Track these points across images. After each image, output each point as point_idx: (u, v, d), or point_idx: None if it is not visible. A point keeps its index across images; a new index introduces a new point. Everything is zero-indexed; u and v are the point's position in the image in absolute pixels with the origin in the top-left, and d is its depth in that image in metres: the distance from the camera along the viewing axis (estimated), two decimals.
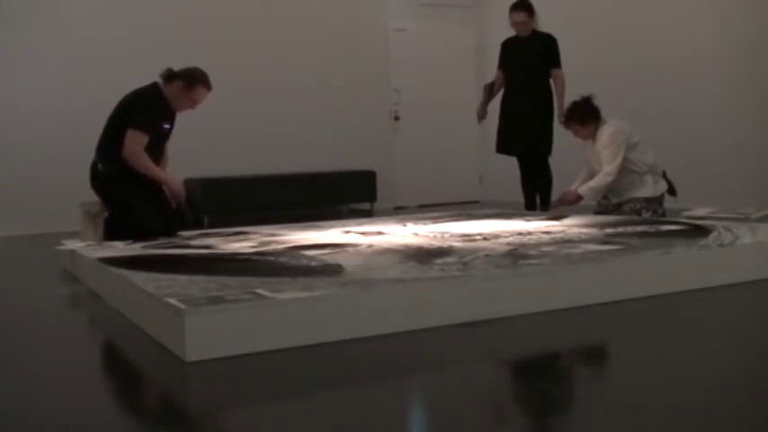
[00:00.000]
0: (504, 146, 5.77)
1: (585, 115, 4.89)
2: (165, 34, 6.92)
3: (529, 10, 5.58)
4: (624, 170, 4.77)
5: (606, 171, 4.74)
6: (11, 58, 6.49)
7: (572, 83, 5.40)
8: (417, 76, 8.41)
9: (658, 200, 4.84)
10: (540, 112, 5.58)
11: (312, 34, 7.79)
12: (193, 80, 4.32)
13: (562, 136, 5.53)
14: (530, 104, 5.59)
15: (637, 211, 4.73)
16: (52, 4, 6.65)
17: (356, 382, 1.91)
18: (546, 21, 5.84)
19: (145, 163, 4.24)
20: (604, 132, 4.82)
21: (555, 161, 5.68)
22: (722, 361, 2.05)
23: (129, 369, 2.22)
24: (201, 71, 4.38)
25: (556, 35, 5.62)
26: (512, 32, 5.72)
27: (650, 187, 4.82)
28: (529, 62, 5.59)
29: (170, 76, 4.34)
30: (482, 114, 5.87)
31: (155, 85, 4.36)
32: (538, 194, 5.71)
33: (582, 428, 1.51)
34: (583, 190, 4.80)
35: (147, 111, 4.27)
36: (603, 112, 4.97)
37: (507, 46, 5.78)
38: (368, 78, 8.13)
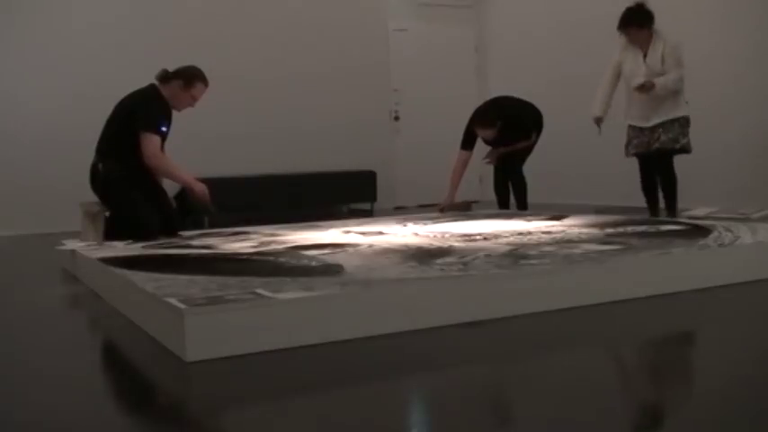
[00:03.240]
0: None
1: (643, 18, 4.98)
2: (164, 35, 6.92)
3: (490, 123, 5.56)
4: None
5: (677, 75, 4.87)
6: (11, 59, 6.49)
7: (573, 80, 5.41)
8: (417, 76, 8.40)
9: (688, 121, 4.98)
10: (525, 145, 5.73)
11: (312, 34, 7.79)
12: (192, 78, 4.34)
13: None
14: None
15: (675, 140, 4.89)
16: (52, 5, 6.65)
17: (356, 382, 1.91)
18: (550, 22, 5.84)
19: (169, 165, 4.28)
20: (668, 42, 4.94)
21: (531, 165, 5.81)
22: (722, 361, 2.05)
23: (129, 369, 2.22)
24: (197, 68, 4.40)
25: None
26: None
27: (683, 107, 4.95)
28: (509, 145, 5.68)
29: (166, 76, 4.35)
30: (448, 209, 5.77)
31: (153, 86, 4.36)
32: (514, 196, 5.83)
33: (580, 428, 1.51)
34: (658, 81, 4.88)
35: (154, 111, 4.28)
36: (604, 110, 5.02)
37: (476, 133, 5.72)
38: (368, 78, 8.13)
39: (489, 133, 5.57)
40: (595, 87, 5.17)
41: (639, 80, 4.91)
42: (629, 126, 5.13)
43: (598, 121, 5.22)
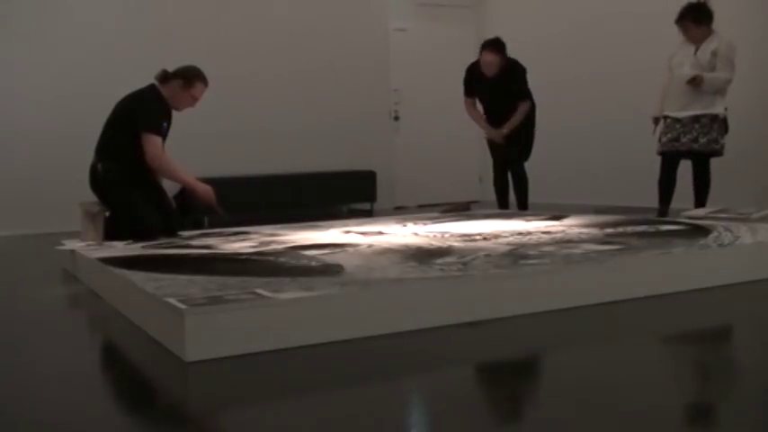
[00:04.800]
0: (495, 155, 5.86)
1: (702, 15, 5.02)
2: (164, 35, 6.91)
3: (500, 50, 5.55)
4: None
5: (728, 76, 4.94)
6: (10, 58, 6.48)
7: (573, 80, 5.40)
8: (417, 76, 8.40)
9: (726, 123, 5.03)
10: (523, 126, 5.66)
11: (312, 34, 7.78)
12: (192, 78, 4.34)
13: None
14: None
15: (714, 140, 4.97)
16: (51, 5, 6.65)
17: (356, 382, 1.92)
18: (549, 22, 5.84)
19: (172, 167, 4.27)
20: (724, 40, 4.98)
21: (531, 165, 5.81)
22: (723, 361, 2.05)
23: (129, 369, 2.22)
24: (197, 68, 4.40)
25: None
26: None
27: (720, 105, 5.00)
28: (501, 99, 5.65)
29: (166, 76, 4.35)
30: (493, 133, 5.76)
31: (152, 86, 4.36)
32: (516, 194, 5.81)
33: (581, 427, 1.51)
34: (707, 77, 4.93)
35: (155, 112, 4.28)
36: (605, 107, 5.03)
37: (475, 75, 5.71)
38: (368, 78, 8.13)
39: (494, 59, 5.52)
40: (596, 87, 5.17)
41: (687, 71, 4.97)
42: (664, 117, 5.16)
43: (655, 120, 5.30)
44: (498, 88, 5.62)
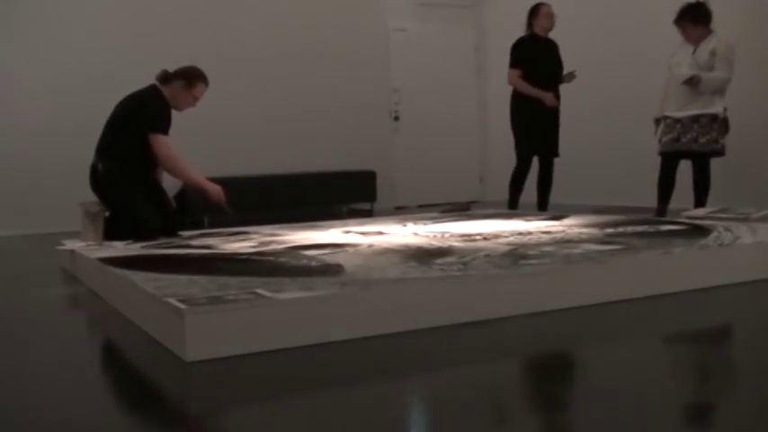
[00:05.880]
0: (538, 148, 5.78)
1: (700, 15, 5.04)
2: (163, 35, 6.92)
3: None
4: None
5: (725, 76, 4.96)
6: (10, 58, 6.49)
7: (579, 84, 5.41)
8: (417, 76, 8.41)
9: (726, 123, 5.05)
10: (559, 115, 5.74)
11: (312, 34, 7.79)
12: (194, 78, 4.35)
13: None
14: (557, 108, 5.70)
15: (714, 140, 4.98)
16: (51, 4, 6.65)
17: (356, 382, 1.91)
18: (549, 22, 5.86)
19: (182, 166, 4.26)
20: (723, 40, 5.01)
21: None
22: (723, 361, 2.05)
23: (129, 369, 2.22)
24: (197, 68, 4.40)
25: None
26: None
27: (719, 104, 5.02)
28: (555, 66, 5.71)
29: (166, 77, 4.35)
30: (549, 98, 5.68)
31: (153, 86, 4.36)
32: (540, 193, 5.81)
33: (581, 427, 1.51)
34: (705, 77, 4.94)
35: (161, 112, 4.28)
36: (605, 107, 5.04)
37: (529, 46, 5.73)
38: (368, 78, 8.13)
39: (551, 11, 5.71)
40: (596, 87, 5.17)
41: (685, 71, 4.98)
42: (664, 117, 5.17)
43: (656, 121, 5.32)
44: (551, 51, 5.72)
